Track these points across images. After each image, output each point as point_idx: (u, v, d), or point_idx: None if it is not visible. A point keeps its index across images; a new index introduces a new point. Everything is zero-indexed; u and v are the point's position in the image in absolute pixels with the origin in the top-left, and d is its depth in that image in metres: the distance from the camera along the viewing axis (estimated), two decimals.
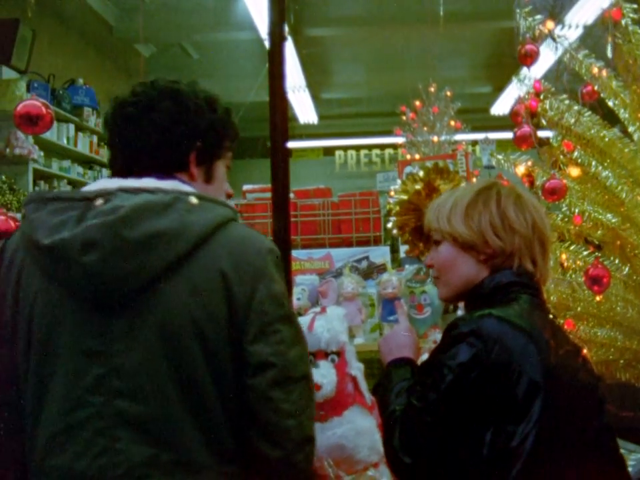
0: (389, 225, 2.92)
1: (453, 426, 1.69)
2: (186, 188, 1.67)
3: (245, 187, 4.01)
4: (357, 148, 15.82)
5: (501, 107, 13.26)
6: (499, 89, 12.72)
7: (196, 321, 1.56)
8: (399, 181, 2.73)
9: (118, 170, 1.77)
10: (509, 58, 9.96)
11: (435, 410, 1.70)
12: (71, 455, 1.55)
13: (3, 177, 6.51)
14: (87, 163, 8.86)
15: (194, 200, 1.61)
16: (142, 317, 1.56)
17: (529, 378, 1.64)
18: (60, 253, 1.53)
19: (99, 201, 1.58)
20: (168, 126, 1.74)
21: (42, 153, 7.40)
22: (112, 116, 1.78)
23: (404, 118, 9.04)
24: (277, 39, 2.14)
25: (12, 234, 2.56)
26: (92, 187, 1.68)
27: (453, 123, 8.74)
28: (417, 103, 8.81)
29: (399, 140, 9.37)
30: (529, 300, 1.81)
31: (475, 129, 9.17)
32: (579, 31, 6.78)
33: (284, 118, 2.19)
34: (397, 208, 2.72)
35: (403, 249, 3.51)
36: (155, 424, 1.55)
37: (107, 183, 1.67)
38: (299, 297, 2.96)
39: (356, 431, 2.58)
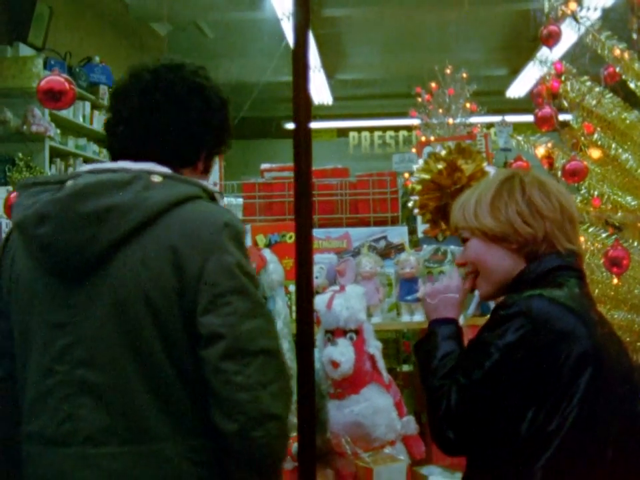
0: (410, 205, 2.92)
1: (496, 404, 1.70)
2: (157, 168, 1.70)
3: (263, 166, 4.01)
4: (371, 129, 15.78)
5: (517, 89, 13.19)
6: (515, 71, 12.65)
7: (146, 293, 1.59)
8: (420, 161, 2.72)
9: (120, 151, 1.80)
10: (524, 40, 9.93)
11: (480, 388, 1.71)
12: (42, 421, 1.63)
13: (20, 155, 6.51)
14: (103, 141, 8.79)
15: (156, 178, 1.65)
16: (97, 288, 1.62)
17: (578, 353, 1.65)
18: (22, 228, 1.65)
19: (70, 182, 1.65)
20: (191, 124, 1.79)
21: (58, 131, 7.40)
22: (128, 92, 1.80)
23: (419, 100, 9.01)
24: (301, 18, 2.12)
25: None
26: (77, 170, 1.78)
27: (468, 105, 8.72)
28: (433, 84, 8.78)
29: (414, 122, 9.34)
30: (577, 284, 1.81)
31: (491, 112, 9.12)
32: (598, 13, 6.72)
33: (307, 98, 2.18)
34: (419, 187, 2.72)
35: (421, 229, 3.50)
36: (111, 393, 1.60)
37: (86, 166, 1.76)
38: (317, 276, 2.97)
39: (373, 408, 2.61)
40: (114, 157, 1.80)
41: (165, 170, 1.71)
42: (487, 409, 1.71)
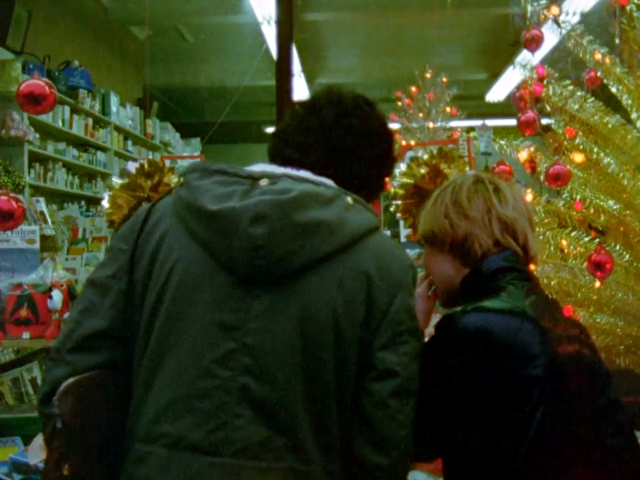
0: (392, 209, 2.91)
1: (446, 417, 1.69)
2: (343, 189, 1.67)
3: None
4: None
5: (496, 93, 13.26)
6: (494, 75, 12.71)
7: (336, 316, 1.56)
8: (402, 165, 2.72)
9: (285, 156, 1.75)
10: (503, 45, 9.98)
11: (425, 405, 1.68)
12: (187, 424, 1.53)
13: None
14: (82, 145, 8.82)
15: (350, 200, 1.63)
16: (285, 300, 1.55)
17: (523, 373, 1.63)
18: (227, 220, 1.54)
19: (265, 181, 1.59)
20: (373, 161, 1.78)
21: (37, 135, 7.37)
22: (323, 107, 1.77)
23: (399, 104, 9.04)
24: (285, 23, 2.12)
25: (12, 214, 2.55)
26: (253, 167, 1.69)
27: (448, 109, 8.75)
28: (413, 88, 8.80)
29: (395, 126, 9.36)
30: (520, 285, 1.79)
31: (470, 116, 9.17)
32: (577, 18, 6.78)
33: (289, 102, 2.18)
34: (401, 192, 2.72)
35: (404, 233, 3.50)
36: (275, 407, 1.54)
37: (269, 167, 1.69)
38: None
39: None
40: (278, 162, 1.74)
41: (352, 194, 1.68)
42: (437, 422, 1.70)
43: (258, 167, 1.69)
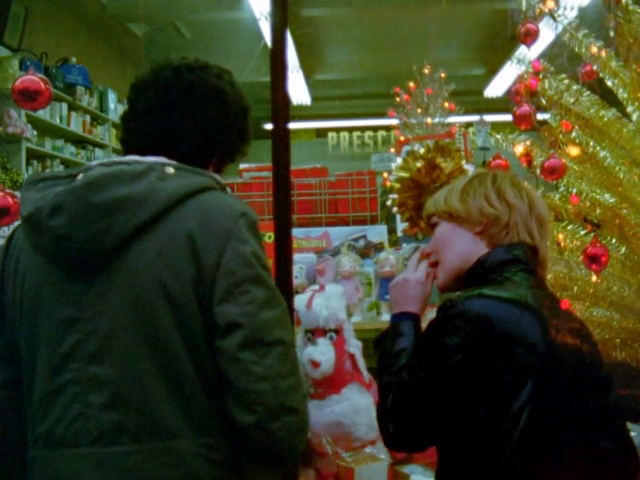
0: (388, 203, 2.92)
1: (442, 404, 1.69)
2: (166, 161, 1.68)
3: (242, 166, 4.01)
4: (350, 130, 15.79)
5: (495, 89, 13.25)
6: (493, 71, 12.70)
7: (163, 283, 1.56)
8: (399, 159, 2.72)
9: (132, 146, 1.78)
10: (502, 40, 9.98)
11: (422, 388, 1.70)
12: (51, 420, 1.58)
13: None
14: (80, 142, 8.81)
15: (170, 169, 1.64)
16: (111, 281, 1.58)
17: (521, 360, 1.64)
18: (33, 220, 1.60)
19: (80, 176, 1.62)
20: (207, 127, 1.77)
21: (35, 132, 7.35)
22: (146, 88, 1.78)
23: (397, 99, 9.02)
24: (279, 18, 2.11)
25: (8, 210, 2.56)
26: (83, 166, 1.72)
27: (446, 104, 8.73)
28: (411, 84, 8.79)
29: (393, 122, 9.35)
30: (525, 277, 1.80)
31: (469, 111, 9.15)
32: (575, 12, 6.75)
33: (285, 99, 2.17)
34: (398, 185, 2.72)
35: (400, 227, 3.50)
36: (125, 389, 1.55)
37: (96, 161, 1.75)
38: (296, 275, 2.96)
39: (354, 408, 2.60)
40: (126, 152, 1.78)
41: (173, 162, 1.69)
42: (431, 407, 1.70)
43: (94, 162, 1.72)
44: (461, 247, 1.92)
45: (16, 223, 3.10)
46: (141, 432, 1.54)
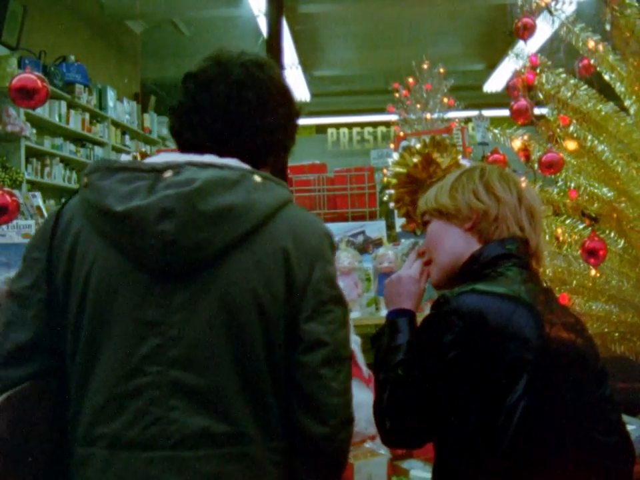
0: (385, 198, 2.92)
1: (437, 400, 1.70)
2: (246, 166, 1.67)
3: None
4: (350, 126, 15.77)
5: (494, 84, 13.25)
6: (492, 66, 12.70)
7: (257, 295, 1.57)
8: (395, 155, 2.72)
9: (186, 139, 1.74)
10: (501, 35, 9.96)
11: (418, 384, 1.71)
12: (121, 423, 1.55)
13: None
14: (79, 140, 8.82)
15: (258, 179, 1.62)
16: (205, 289, 1.57)
17: (515, 355, 1.65)
18: (135, 220, 1.54)
19: (169, 173, 1.58)
20: (274, 127, 1.76)
21: (34, 130, 7.36)
22: (213, 82, 1.73)
23: (397, 95, 9.02)
24: (274, 14, 2.12)
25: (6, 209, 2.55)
26: (156, 159, 1.68)
27: (445, 100, 8.73)
28: (410, 80, 8.79)
29: (392, 117, 9.35)
30: (519, 272, 1.80)
31: (468, 107, 9.15)
32: (573, 7, 6.75)
33: None
34: (394, 181, 2.72)
35: (399, 223, 3.50)
36: (209, 395, 1.56)
37: (173, 156, 1.67)
38: None
39: (353, 403, 2.60)
40: (183, 145, 1.75)
41: (249, 167, 1.67)
42: (427, 403, 1.71)
43: (161, 158, 1.68)
44: (452, 243, 1.92)
45: (21, 221, 3.10)
46: (222, 437, 1.56)
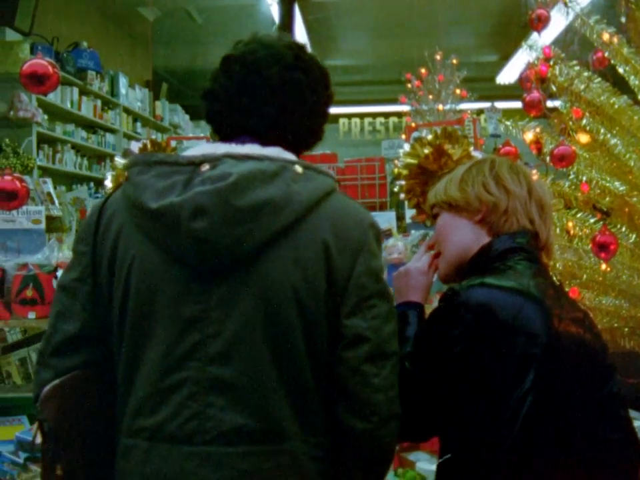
0: (396, 189, 2.91)
1: (444, 393, 1.70)
2: (289, 156, 1.63)
3: None
4: (361, 116, 15.75)
5: (507, 75, 13.18)
6: (505, 57, 12.64)
7: (296, 290, 1.55)
8: (406, 145, 2.71)
9: (230, 124, 1.71)
10: (515, 26, 9.93)
11: (424, 377, 1.71)
12: (162, 416, 1.55)
13: (7, 140, 6.47)
14: (91, 127, 8.83)
15: (299, 169, 1.58)
16: (243, 285, 1.55)
17: (522, 349, 1.64)
18: (168, 217, 1.52)
19: (206, 167, 1.56)
20: (319, 111, 1.74)
21: (46, 117, 7.37)
22: (263, 63, 1.68)
23: (409, 86, 9.00)
24: (287, 2, 2.10)
25: (16, 194, 2.56)
26: (195, 151, 1.65)
27: (458, 91, 8.71)
28: (423, 70, 8.77)
29: (404, 108, 9.33)
30: (528, 266, 1.79)
31: (481, 98, 9.12)
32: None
33: None
34: (405, 172, 2.71)
35: (409, 214, 3.49)
36: (247, 391, 1.54)
37: (212, 147, 1.65)
38: None
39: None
40: (222, 128, 1.71)
41: (292, 156, 1.64)
42: (433, 397, 1.71)
43: (200, 150, 1.65)
44: (461, 236, 1.91)
45: (31, 207, 3.11)
46: (260, 434, 1.55)
